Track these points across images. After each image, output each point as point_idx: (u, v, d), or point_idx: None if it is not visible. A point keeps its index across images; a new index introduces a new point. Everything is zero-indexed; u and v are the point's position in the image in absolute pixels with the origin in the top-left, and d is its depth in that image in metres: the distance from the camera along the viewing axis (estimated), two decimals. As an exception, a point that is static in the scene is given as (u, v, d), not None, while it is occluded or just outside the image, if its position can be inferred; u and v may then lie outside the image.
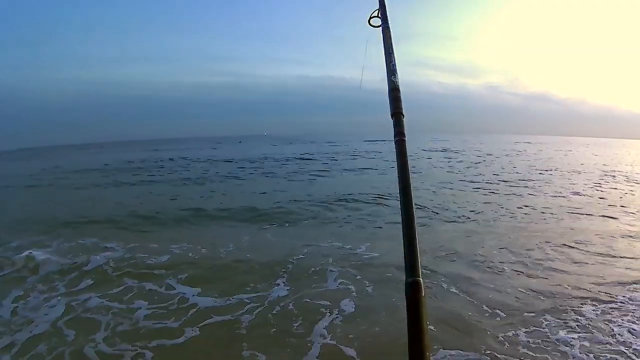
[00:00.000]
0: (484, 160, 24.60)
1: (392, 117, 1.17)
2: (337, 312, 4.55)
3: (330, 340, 3.98)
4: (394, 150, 1.10)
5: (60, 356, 3.76)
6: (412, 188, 1.02)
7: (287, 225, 8.57)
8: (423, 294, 0.84)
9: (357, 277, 5.53)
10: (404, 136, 1.12)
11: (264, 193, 12.82)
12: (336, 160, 26.28)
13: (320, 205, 10.43)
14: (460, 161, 24.19)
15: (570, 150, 38.23)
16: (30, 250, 6.45)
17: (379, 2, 1.42)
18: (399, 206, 0.99)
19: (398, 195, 1.02)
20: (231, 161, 26.47)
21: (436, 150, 32.79)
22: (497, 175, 16.83)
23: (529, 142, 53.92)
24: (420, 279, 0.85)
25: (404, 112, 1.18)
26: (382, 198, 11.01)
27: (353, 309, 4.64)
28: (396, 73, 1.23)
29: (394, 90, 1.20)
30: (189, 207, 10.18)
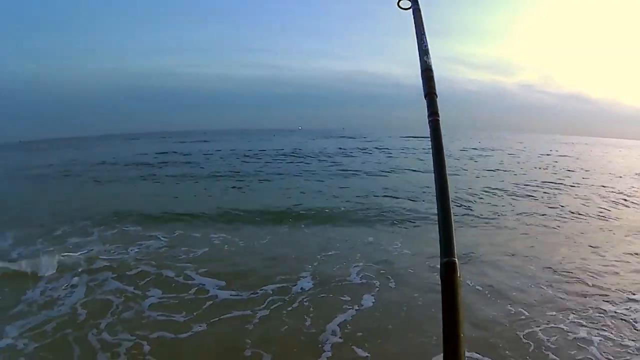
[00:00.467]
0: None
1: (425, 98, 1.14)
2: (356, 308, 4.51)
3: (340, 338, 3.92)
4: (429, 130, 1.07)
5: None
6: (447, 168, 1.00)
7: (323, 222, 8.47)
8: (459, 275, 0.82)
9: (381, 272, 5.53)
10: (438, 116, 1.10)
11: (303, 192, 12.27)
12: (370, 154, 25.66)
13: (359, 203, 10.37)
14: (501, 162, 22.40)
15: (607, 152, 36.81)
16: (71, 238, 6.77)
17: None
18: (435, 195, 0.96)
19: (435, 195, 0.97)
20: (284, 155, 24.11)
21: (474, 149, 30.58)
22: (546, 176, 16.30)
23: (572, 143, 52.17)
24: (456, 259, 0.84)
25: (437, 92, 1.14)
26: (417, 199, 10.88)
27: (371, 304, 4.60)
28: (429, 53, 1.19)
29: (426, 71, 1.17)
30: (228, 206, 9.89)
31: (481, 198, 11.23)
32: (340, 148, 29.70)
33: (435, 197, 0.95)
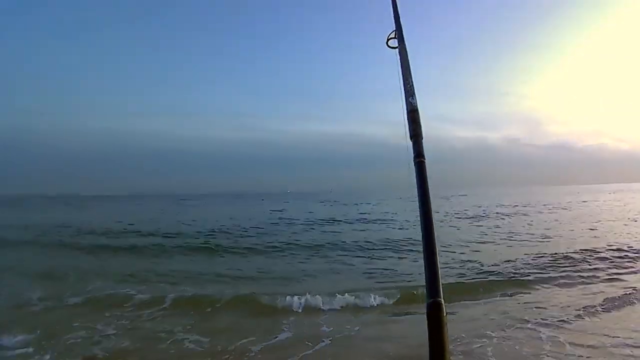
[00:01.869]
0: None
1: (410, 139, 1.13)
2: None
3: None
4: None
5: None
6: (432, 211, 0.99)
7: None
8: (445, 314, 0.83)
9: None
10: (424, 158, 1.09)
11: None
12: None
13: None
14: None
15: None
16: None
17: (395, 23, 1.45)
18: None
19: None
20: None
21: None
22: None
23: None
24: (442, 299, 0.84)
25: (423, 134, 1.14)
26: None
27: None
28: (414, 95, 1.20)
29: (412, 112, 1.17)
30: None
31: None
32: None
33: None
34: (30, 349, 4.71)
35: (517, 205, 30.84)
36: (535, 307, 6.07)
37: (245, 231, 16.87)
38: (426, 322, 0.83)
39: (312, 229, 18.00)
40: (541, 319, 5.40)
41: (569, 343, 4.55)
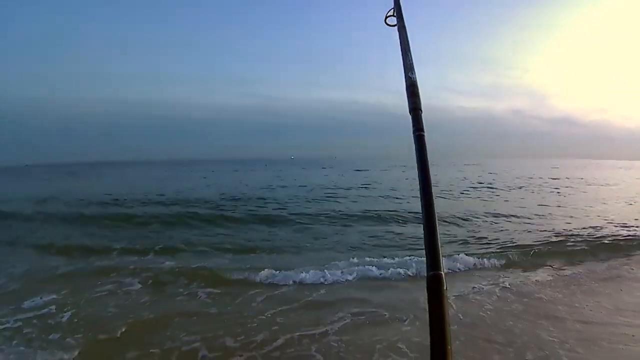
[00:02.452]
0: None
1: (410, 114, 1.14)
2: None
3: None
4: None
5: None
6: (432, 184, 0.99)
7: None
8: (445, 287, 0.81)
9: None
10: (423, 131, 1.10)
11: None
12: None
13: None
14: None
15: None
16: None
17: (394, 1, 1.43)
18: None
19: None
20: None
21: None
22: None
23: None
24: (442, 272, 0.83)
25: (422, 108, 1.15)
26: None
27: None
28: (413, 70, 1.21)
29: (411, 86, 1.18)
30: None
31: None
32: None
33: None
34: (53, 308, 5.12)
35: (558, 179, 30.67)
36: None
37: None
38: (426, 295, 0.81)
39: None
40: None
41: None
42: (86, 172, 44.89)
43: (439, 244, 0.88)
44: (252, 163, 74.83)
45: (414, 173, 1.03)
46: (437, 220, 0.92)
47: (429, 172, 1.01)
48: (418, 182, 1.00)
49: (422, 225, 0.91)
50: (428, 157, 1.06)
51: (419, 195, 0.97)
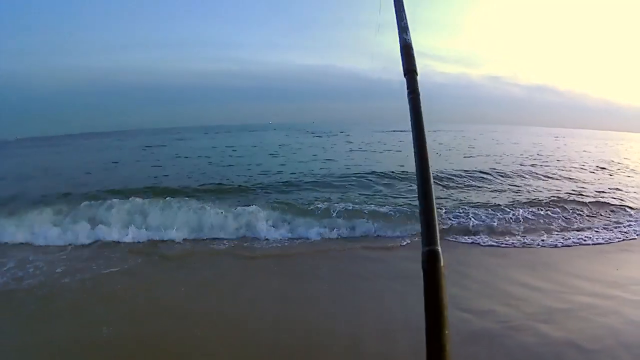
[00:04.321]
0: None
1: (404, 75, 1.07)
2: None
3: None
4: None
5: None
6: (428, 149, 0.92)
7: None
8: (442, 264, 0.75)
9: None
10: (418, 94, 1.03)
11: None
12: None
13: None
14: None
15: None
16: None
17: None
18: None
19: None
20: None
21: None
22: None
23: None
24: (439, 247, 0.77)
25: (417, 69, 1.08)
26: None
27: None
28: (408, 30, 1.14)
29: (405, 47, 1.10)
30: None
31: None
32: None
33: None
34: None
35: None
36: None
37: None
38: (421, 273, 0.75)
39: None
40: None
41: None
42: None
43: (436, 215, 0.80)
44: (232, 129, 72.81)
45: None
46: (433, 189, 0.85)
47: (424, 135, 0.95)
48: (413, 147, 0.93)
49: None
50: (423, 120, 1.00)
51: (414, 160, 0.91)
